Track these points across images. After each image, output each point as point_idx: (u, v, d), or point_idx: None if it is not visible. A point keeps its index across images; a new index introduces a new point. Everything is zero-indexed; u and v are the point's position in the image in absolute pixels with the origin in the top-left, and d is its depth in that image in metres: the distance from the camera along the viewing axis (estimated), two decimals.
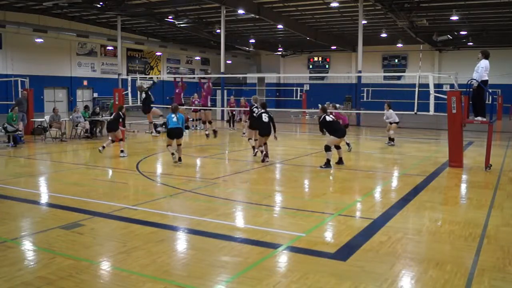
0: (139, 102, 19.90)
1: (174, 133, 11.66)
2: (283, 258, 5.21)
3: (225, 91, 29.67)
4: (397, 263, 4.99)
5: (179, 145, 11.76)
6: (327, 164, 11.21)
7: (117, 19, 32.28)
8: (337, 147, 11.83)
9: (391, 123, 16.35)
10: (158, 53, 44.59)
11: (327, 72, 46.27)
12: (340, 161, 11.75)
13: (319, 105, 12.34)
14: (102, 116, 18.83)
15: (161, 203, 7.85)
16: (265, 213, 7.21)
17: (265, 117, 11.86)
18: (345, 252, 5.31)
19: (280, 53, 46.91)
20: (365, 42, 26.96)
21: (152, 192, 8.65)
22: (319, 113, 11.80)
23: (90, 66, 38.76)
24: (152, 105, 16.45)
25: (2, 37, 31.73)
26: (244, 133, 18.34)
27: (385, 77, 40.97)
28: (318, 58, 47.09)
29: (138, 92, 17.76)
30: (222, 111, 29.10)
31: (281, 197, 8.49)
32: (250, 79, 46.96)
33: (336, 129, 11.36)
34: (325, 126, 11.41)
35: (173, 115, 11.74)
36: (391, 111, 16.30)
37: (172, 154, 11.49)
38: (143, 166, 11.36)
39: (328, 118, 11.36)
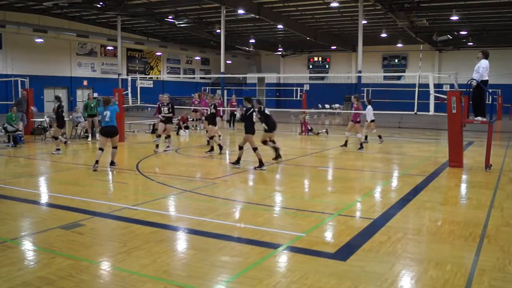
0: (139, 102, 19.91)
1: (106, 132, 10.75)
2: (283, 258, 5.20)
3: (225, 91, 29.67)
4: (397, 263, 4.99)
5: (114, 147, 10.86)
6: (261, 163, 10.91)
7: (117, 19, 32.31)
8: (265, 143, 11.80)
9: (369, 121, 16.05)
10: (158, 53, 44.60)
11: (327, 72, 46.27)
12: (277, 156, 11.75)
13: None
14: None
15: (161, 203, 7.85)
16: (265, 213, 7.22)
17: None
18: (345, 252, 5.31)
19: (280, 53, 46.92)
20: (365, 42, 26.96)
21: (152, 192, 8.65)
22: (255, 105, 11.48)
23: (90, 66, 38.78)
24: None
25: (2, 37, 31.74)
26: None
27: (385, 77, 40.95)
28: (318, 58, 47.11)
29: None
30: (223, 111, 29.11)
31: (281, 197, 8.49)
32: (250, 79, 46.97)
33: (271, 122, 11.64)
34: (266, 118, 11.53)
35: (104, 112, 10.71)
36: (370, 107, 16.05)
37: (96, 162, 10.45)
38: (143, 166, 11.36)
39: (267, 111, 11.61)
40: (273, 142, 12.11)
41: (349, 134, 15.35)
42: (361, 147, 14.75)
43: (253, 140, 11.02)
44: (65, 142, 15.03)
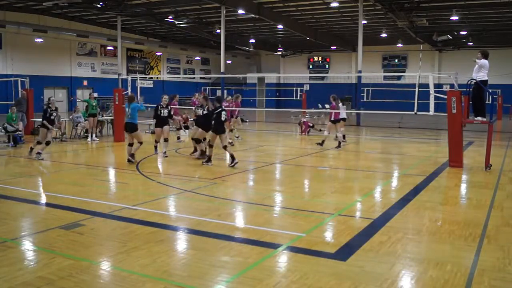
0: (139, 102, 19.89)
1: (126, 128, 12.07)
2: (283, 258, 5.20)
3: (225, 91, 29.68)
4: (397, 263, 4.99)
5: (139, 142, 11.86)
6: (209, 159, 11.50)
7: (117, 19, 32.31)
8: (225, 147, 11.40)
9: (342, 120, 15.73)
10: (158, 53, 44.59)
11: (327, 72, 46.27)
12: (232, 160, 11.17)
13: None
14: (102, 116, 18.82)
15: (161, 203, 7.85)
16: (265, 213, 7.21)
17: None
18: (345, 252, 5.31)
19: (280, 53, 46.92)
20: (365, 42, 26.96)
21: (152, 192, 8.65)
22: (215, 103, 11.46)
23: (90, 66, 38.76)
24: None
25: (2, 37, 31.73)
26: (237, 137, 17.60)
27: (385, 77, 40.96)
28: (318, 58, 47.11)
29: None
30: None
31: (281, 197, 8.48)
32: (250, 79, 46.98)
33: (221, 124, 11.31)
34: (217, 117, 11.10)
35: (127, 109, 11.81)
36: (340, 105, 15.73)
37: (131, 157, 11.58)
38: (143, 166, 11.36)
39: (224, 112, 11.20)
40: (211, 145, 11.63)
41: (340, 134, 15.41)
42: (321, 144, 15.09)
43: (215, 139, 11.35)
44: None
